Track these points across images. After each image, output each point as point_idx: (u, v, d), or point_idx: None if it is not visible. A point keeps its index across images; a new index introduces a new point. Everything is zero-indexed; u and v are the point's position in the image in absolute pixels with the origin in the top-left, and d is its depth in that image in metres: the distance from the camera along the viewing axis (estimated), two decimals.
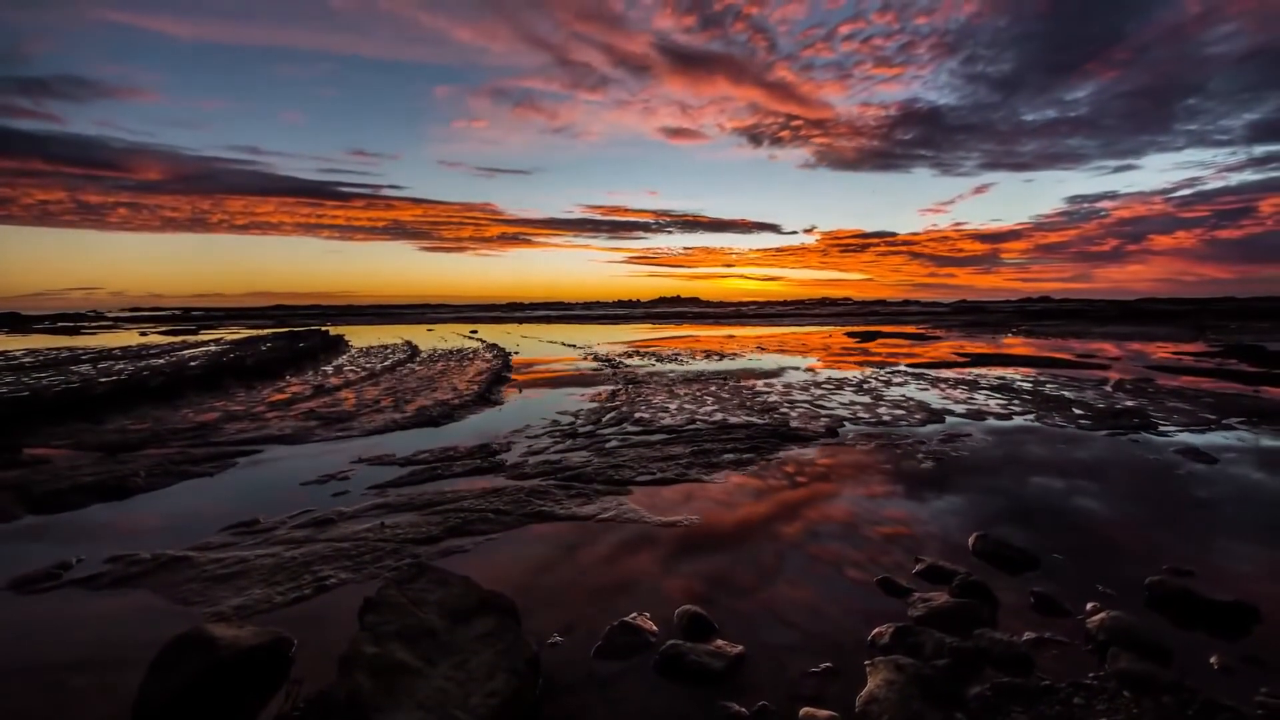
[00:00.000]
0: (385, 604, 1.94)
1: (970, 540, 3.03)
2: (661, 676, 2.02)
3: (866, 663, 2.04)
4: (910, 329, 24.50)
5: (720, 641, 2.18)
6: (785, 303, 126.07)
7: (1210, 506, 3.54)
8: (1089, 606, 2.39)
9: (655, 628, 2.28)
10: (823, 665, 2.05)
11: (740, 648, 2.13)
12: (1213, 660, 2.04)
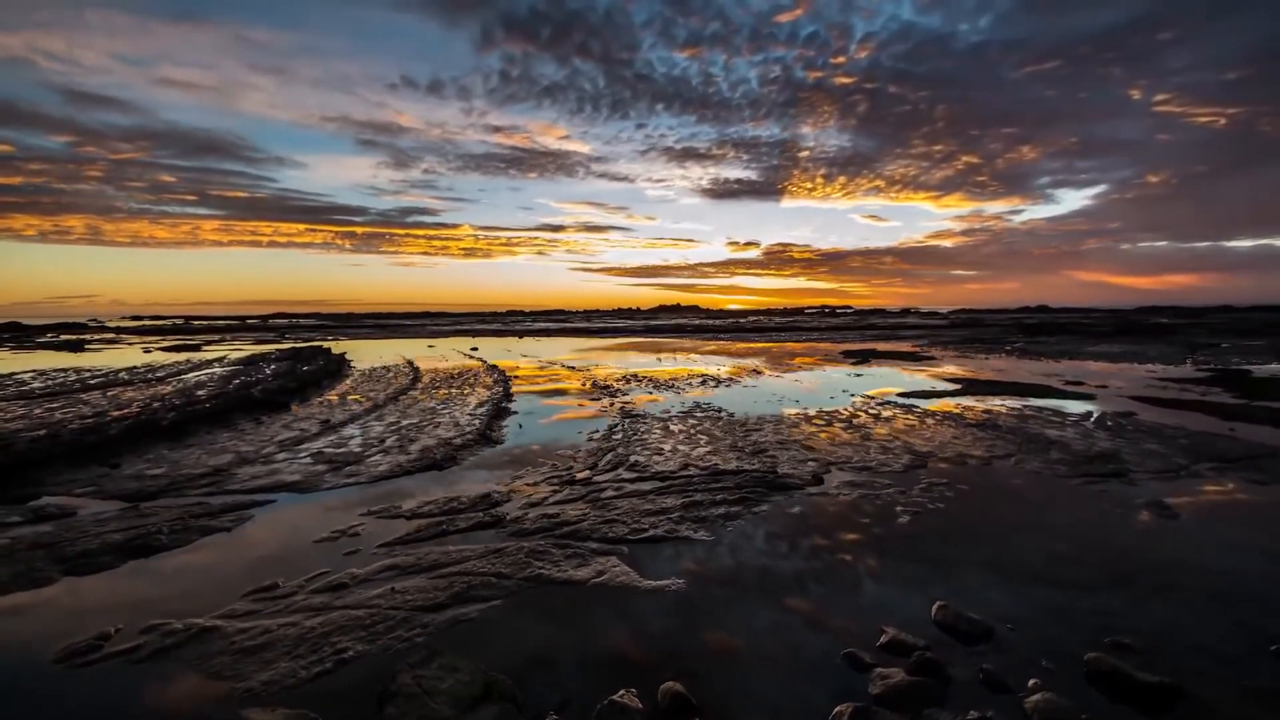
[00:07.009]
0: (402, 695, 2.21)
1: (933, 609, 3.30)
2: None
3: None
4: (906, 346, 24.81)
5: None
6: (785, 312, 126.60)
7: (1161, 569, 3.80)
8: (1030, 683, 2.66)
9: (641, 705, 2.55)
10: None
11: None
12: None
